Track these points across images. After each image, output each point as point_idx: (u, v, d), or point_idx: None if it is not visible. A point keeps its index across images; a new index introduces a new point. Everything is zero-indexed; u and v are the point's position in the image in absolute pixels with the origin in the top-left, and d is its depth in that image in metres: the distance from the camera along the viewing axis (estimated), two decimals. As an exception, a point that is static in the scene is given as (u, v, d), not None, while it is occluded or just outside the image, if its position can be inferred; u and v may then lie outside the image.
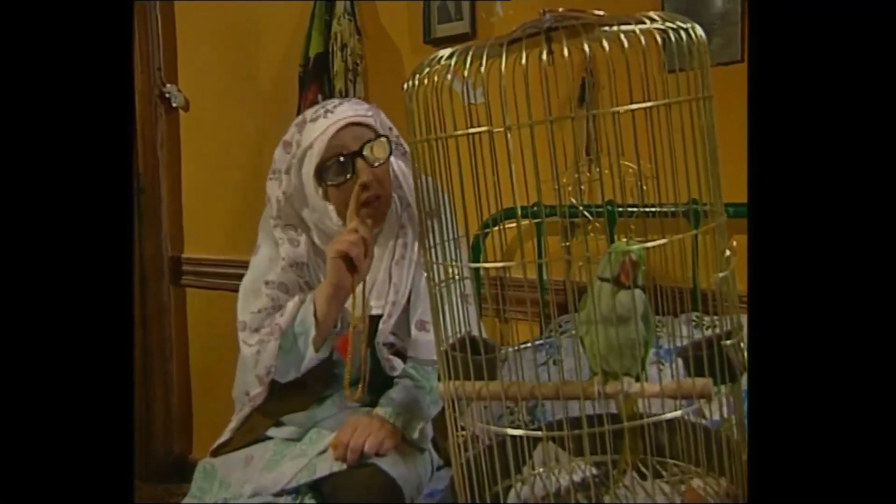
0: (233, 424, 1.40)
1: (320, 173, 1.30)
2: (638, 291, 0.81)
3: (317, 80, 2.06)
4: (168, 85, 2.57)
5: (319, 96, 2.04)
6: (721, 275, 0.81)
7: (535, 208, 0.91)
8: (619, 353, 0.82)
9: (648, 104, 0.76)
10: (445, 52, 0.83)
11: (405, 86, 0.87)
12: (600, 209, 0.95)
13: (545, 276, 1.76)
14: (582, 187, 1.01)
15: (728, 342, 0.81)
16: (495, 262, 1.70)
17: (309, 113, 1.33)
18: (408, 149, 1.42)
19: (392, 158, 1.35)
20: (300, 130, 1.31)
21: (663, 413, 0.82)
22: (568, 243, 0.95)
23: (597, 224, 1.09)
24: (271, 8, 2.31)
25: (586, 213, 1.00)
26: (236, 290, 1.45)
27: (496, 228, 1.11)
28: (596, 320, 0.81)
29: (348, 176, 1.28)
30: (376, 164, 1.30)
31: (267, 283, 1.36)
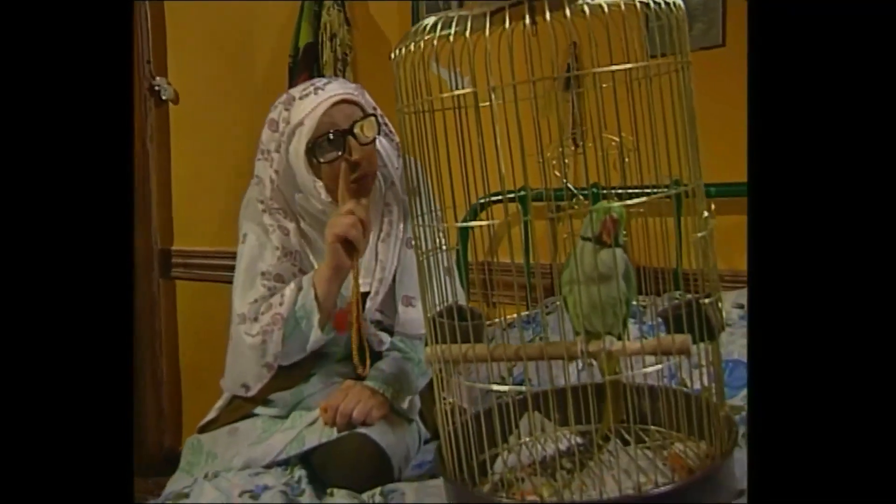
0: (219, 403, 1.41)
1: (312, 150, 1.30)
2: (619, 250, 0.83)
3: (306, 70, 2.08)
4: (157, 78, 2.58)
5: (309, 86, 2.06)
6: (700, 234, 0.83)
7: (522, 192, 0.93)
8: (601, 311, 0.84)
9: (629, 66, 0.78)
10: (430, 20, 0.85)
11: (392, 55, 0.89)
12: (585, 192, 0.97)
13: (531, 259, 1.78)
14: (566, 161, 1.03)
15: (706, 300, 0.83)
16: (483, 242, 1.72)
17: (297, 91, 1.33)
18: (392, 129, 1.43)
19: (377, 137, 1.36)
20: (288, 108, 1.32)
21: (644, 371, 0.85)
22: (555, 215, 0.97)
23: (581, 198, 1.12)
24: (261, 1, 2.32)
25: (570, 187, 1.02)
26: (226, 282, 1.45)
27: (485, 202, 1.13)
28: (579, 279, 0.84)
29: (340, 153, 1.29)
30: (366, 142, 1.31)
31: (263, 273, 1.36)
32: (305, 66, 2.09)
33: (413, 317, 1.35)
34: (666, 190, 0.84)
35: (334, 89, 1.31)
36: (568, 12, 0.79)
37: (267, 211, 1.38)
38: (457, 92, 0.81)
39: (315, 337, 1.29)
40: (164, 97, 2.59)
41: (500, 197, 1.06)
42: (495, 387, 0.85)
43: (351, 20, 2.09)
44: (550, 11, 0.82)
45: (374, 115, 1.33)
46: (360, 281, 1.32)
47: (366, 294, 1.37)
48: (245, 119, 2.40)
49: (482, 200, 1.10)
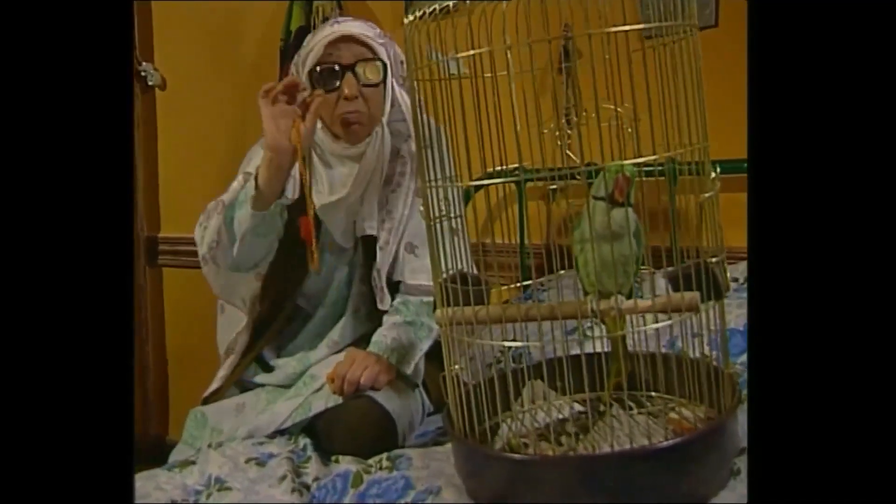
0: (222, 372, 1.40)
1: (312, 76, 1.32)
2: (630, 209, 0.85)
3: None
4: (144, 63, 2.55)
5: (300, 71, 2.06)
6: (707, 195, 0.85)
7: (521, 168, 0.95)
8: (612, 269, 0.86)
9: (639, 27, 0.80)
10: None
11: (404, 20, 0.90)
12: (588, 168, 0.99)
13: (526, 239, 1.80)
14: (569, 132, 1.05)
15: (713, 260, 0.85)
16: (483, 217, 1.74)
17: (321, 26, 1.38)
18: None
19: (399, 90, 1.37)
20: (313, 37, 1.36)
21: (655, 326, 0.87)
22: (554, 186, 0.99)
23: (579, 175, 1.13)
24: (251, -16, 2.31)
25: (569, 153, 1.04)
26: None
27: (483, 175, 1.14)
28: (591, 238, 0.85)
29: (336, 84, 1.31)
30: (367, 83, 1.32)
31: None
32: (297, 50, 2.08)
33: (415, 266, 1.35)
34: (673, 157, 0.86)
35: (350, 27, 1.32)
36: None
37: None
38: (472, 52, 0.82)
39: (244, 211, 1.24)
40: (150, 83, 2.56)
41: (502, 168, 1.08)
42: (507, 343, 0.87)
43: (343, 4, 2.09)
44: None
45: (386, 64, 1.33)
46: (364, 224, 1.34)
47: (369, 237, 1.36)
48: (234, 104, 2.39)
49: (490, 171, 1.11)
